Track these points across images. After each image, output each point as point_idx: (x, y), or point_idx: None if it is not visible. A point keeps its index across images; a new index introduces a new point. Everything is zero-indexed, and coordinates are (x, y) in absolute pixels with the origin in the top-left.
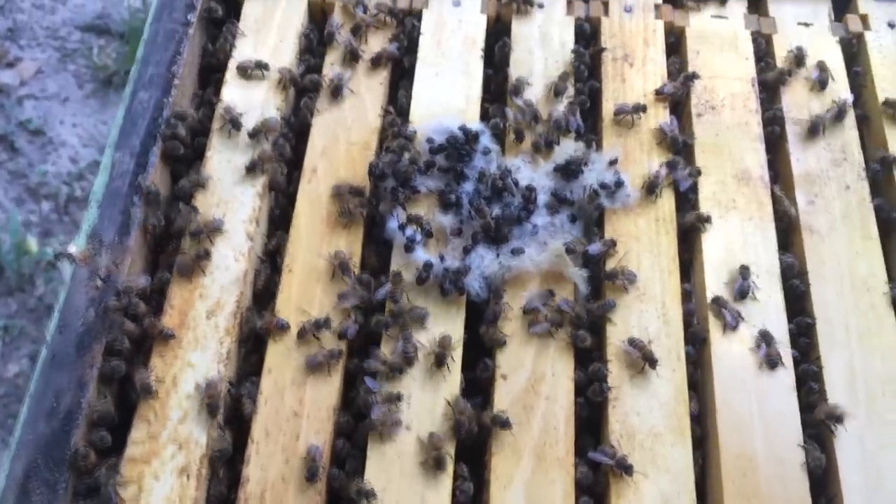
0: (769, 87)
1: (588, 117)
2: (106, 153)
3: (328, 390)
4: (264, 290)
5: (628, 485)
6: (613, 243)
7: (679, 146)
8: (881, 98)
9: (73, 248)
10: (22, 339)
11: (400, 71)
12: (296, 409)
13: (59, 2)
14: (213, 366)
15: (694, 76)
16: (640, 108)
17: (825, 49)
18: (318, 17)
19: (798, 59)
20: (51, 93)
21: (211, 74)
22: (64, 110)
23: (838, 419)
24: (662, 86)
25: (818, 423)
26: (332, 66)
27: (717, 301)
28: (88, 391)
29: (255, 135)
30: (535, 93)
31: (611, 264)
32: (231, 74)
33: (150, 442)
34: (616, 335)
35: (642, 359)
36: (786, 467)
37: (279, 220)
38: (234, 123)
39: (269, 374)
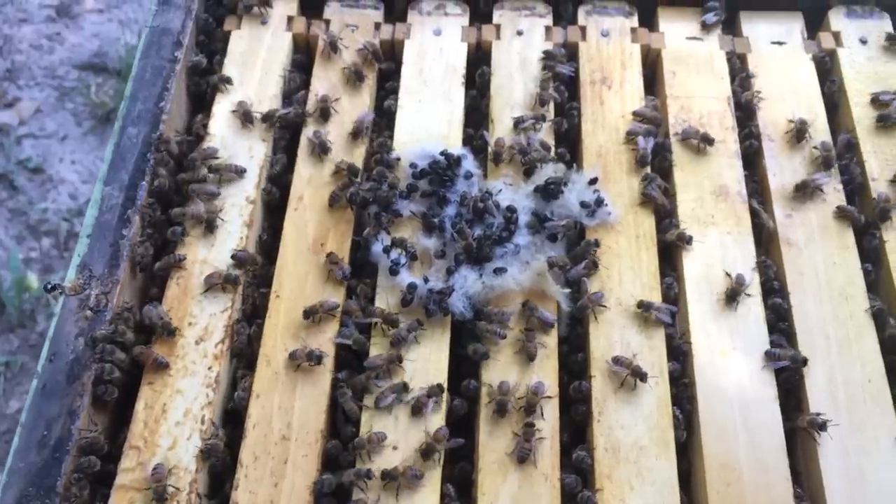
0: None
1: (567, 139)
2: (96, 187)
3: (316, 414)
4: (252, 316)
5: (614, 497)
6: (595, 265)
7: (647, 162)
8: (855, 113)
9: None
10: (23, 375)
11: (384, 93)
12: (284, 433)
13: (56, 41)
14: (201, 391)
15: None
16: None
17: (798, 67)
18: (303, 49)
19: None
20: (49, 131)
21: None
22: (63, 148)
23: (821, 427)
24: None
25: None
26: (316, 96)
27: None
28: (79, 420)
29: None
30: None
31: (593, 285)
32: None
33: (140, 469)
34: (599, 350)
35: (631, 375)
36: (770, 475)
37: (267, 246)
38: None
39: (257, 399)
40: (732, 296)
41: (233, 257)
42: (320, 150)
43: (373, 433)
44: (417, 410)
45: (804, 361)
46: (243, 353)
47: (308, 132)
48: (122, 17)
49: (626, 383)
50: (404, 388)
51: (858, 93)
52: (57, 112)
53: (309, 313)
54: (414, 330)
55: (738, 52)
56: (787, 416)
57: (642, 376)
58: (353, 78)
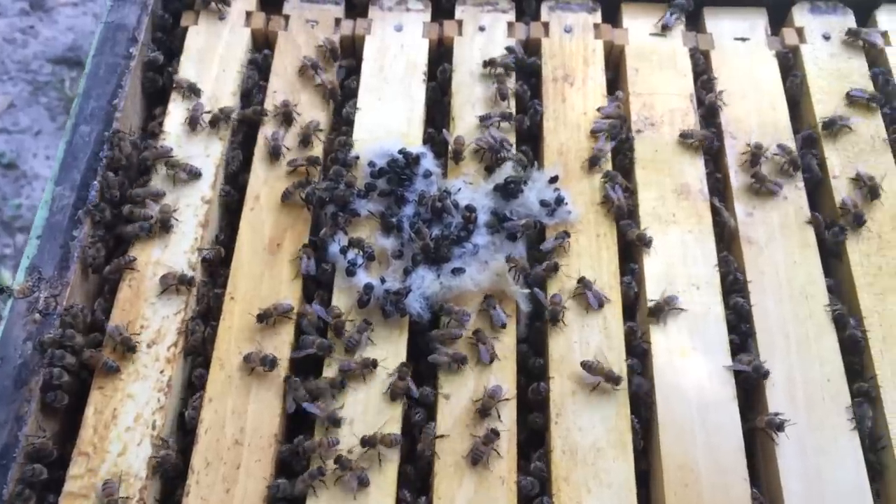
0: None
1: (529, 137)
2: (47, 187)
3: (269, 418)
4: (206, 317)
5: (571, 500)
6: (556, 267)
7: (597, 163)
8: (817, 109)
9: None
10: None
11: (345, 91)
12: (237, 438)
13: (30, 35)
14: (153, 396)
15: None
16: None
17: (761, 63)
18: (261, 46)
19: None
20: (23, 126)
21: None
22: (37, 143)
23: (778, 427)
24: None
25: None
26: (275, 94)
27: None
28: (26, 426)
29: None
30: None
31: (552, 286)
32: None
33: (90, 476)
34: (558, 350)
35: (605, 380)
36: (727, 476)
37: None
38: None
39: (210, 404)
40: (657, 310)
41: (203, 260)
42: (273, 152)
43: (325, 438)
44: (396, 396)
45: (765, 374)
46: (198, 352)
47: (266, 131)
48: (96, 11)
49: (590, 387)
50: (374, 364)
51: (821, 89)
52: (31, 107)
53: (263, 317)
54: (364, 331)
55: (701, 48)
56: (746, 416)
57: (616, 380)
58: (313, 74)
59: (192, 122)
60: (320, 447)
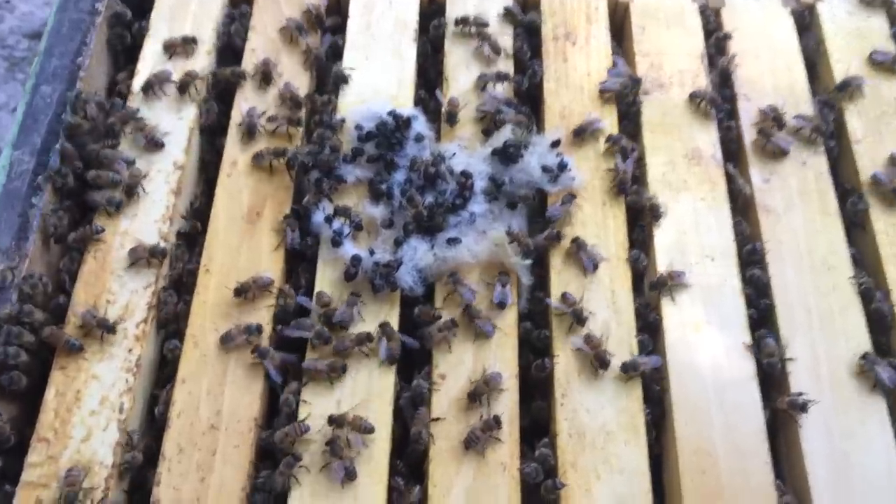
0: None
1: (527, 100)
2: (4, 152)
3: (249, 400)
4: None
5: (579, 487)
6: (558, 236)
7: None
8: (836, 71)
9: None
10: None
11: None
12: (213, 422)
13: (5, 10)
14: (120, 377)
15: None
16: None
17: (776, 22)
18: (238, 1)
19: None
20: (0, 102)
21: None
22: (13, 120)
23: (802, 407)
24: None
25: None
26: (253, 51)
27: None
28: None
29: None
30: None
31: (556, 255)
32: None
33: (50, 464)
34: (562, 327)
35: (594, 359)
36: (748, 460)
37: (197, 215)
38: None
39: (183, 385)
40: (659, 283)
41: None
42: (248, 130)
43: (295, 424)
44: (394, 359)
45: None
46: (170, 324)
47: (242, 106)
48: None
49: (590, 365)
50: (368, 338)
51: (839, 49)
52: (7, 83)
53: (241, 291)
54: (354, 304)
55: (711, 5)
56: (767, 396)
57: (604, 363)
58: (296, 35)
59: (150, 88)
60: (287, 437)
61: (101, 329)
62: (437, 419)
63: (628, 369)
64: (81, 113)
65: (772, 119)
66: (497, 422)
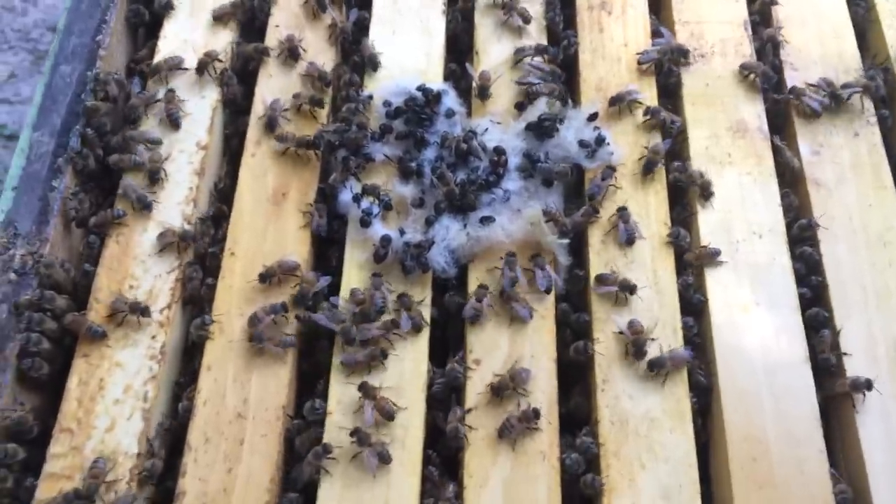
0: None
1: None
2: (23, 134)
3: (276, 387)
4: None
5: (622, 477)
6: (595, 211)
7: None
8: (888, 37)
9: None
10: None
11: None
12: (239, 411)
13: (29, 3)
14: (144, 364)
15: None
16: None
17: None
18: None
19: None
20: (25, 97)
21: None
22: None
23: (867, 386)
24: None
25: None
26: (276, 28)
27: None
28: (0, 398)
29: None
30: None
31: (594, 234)
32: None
33: (74, 455)
34: (603, 309)
35: (631, 345)
36: (801, 448)
37: (222, 197)
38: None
39: (209, 372)
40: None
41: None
42: (269, 124)
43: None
44: (420, 326)
45: (867, 384)
46: (197, 301)
47: (265, 98)
48: None
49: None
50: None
51: (891, 14)
52: (32, 77)
53: (265, 276)
54: (380, 287)
55: None
56: (819, 381)
57: (630, 289)
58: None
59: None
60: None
61: (135, 314)
62: (470, 410)
63: (654, 367)
64: (102, 94)
65: (830, 96)
66: (536, 414)
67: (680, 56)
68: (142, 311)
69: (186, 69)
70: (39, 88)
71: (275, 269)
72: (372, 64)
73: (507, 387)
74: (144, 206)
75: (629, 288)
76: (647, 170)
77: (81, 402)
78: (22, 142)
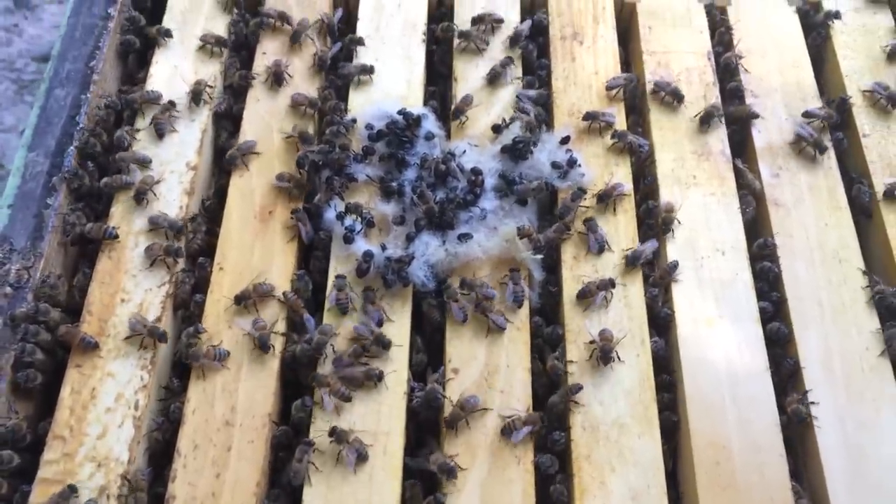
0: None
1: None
2: (18, 154)
3: (263, 396)
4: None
5: (593, 479)
6: (567, 227)
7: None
8: (843, 67)
9: None
10: None
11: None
12: (227, 418)
13: (14, 33)
14: (135, 374)
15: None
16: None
17: (782, 19)
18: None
19: None
20: (8, 125)
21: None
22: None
23: (807, 414)
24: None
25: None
26: (264, 55)
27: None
28: None
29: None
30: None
31: (567, 250)
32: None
33: (66, 461)
34: (575, 320)
35: (599, 351)
36: (762, 454)
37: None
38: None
39: (198, 381)
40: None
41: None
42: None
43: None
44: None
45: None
46: (186, 305)
47: (255, 94)
48: None
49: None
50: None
51: (846, 45)
52: (16, 105)
53: (241, 298)
54: (372, 300)
55: (717, 4)
56: (779, 389)
57: (605, 358)
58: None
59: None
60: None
61: (152, 337)
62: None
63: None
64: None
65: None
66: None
67: (675, 99)
68: (159, 336)
69: (160, 104)
70: (34, 111)
71: (250, 292)
72: (365, 71)
73: (458, 417)
74: (177, 231)
75: (609, 284)
76: (601, 200)
77: (74, 411)
78: (17, 161)
